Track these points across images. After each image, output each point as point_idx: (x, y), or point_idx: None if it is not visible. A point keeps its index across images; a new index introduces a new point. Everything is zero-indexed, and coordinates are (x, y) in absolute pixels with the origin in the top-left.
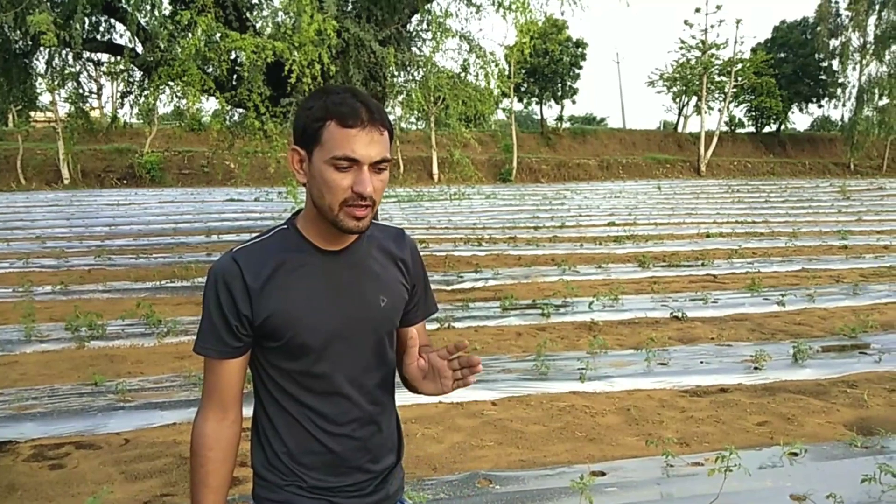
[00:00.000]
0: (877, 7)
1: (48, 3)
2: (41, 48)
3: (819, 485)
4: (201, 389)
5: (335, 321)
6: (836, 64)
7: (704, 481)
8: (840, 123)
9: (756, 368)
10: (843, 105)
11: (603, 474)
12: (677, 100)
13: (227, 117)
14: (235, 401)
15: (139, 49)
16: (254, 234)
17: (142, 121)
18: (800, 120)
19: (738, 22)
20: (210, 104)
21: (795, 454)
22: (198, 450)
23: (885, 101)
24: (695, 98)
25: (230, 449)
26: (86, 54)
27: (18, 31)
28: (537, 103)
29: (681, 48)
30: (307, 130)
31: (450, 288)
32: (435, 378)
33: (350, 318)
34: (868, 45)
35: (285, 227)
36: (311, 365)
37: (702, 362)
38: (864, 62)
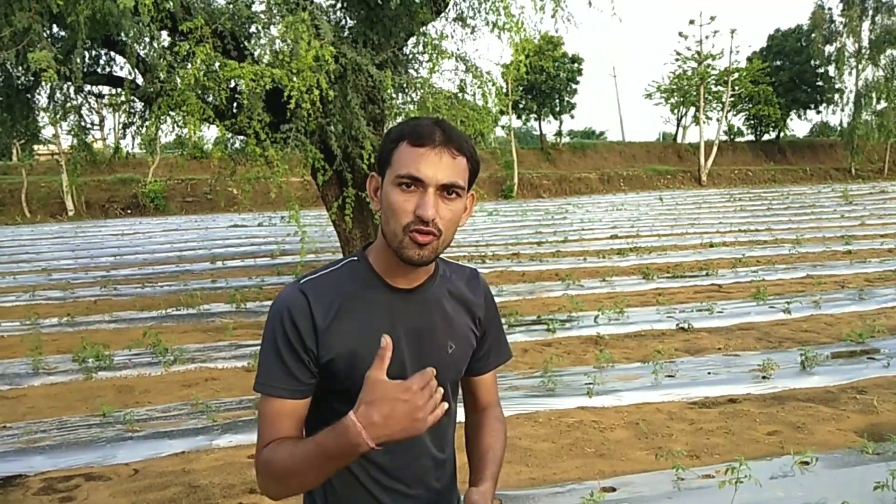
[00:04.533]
0: (870, 13)
1: (49, 40)
2: (43, 83)
3: (831, 493)
4: (257, 435)
5: (401, 367)
6: (832, 70)
7: (716, 493)
8: (839, 129)
9: (764, 377)
10: (842, 110)
11: (613, 490)
12: (675, 111)
13: (229, 144)
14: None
15: (139, 80)
16: (324, 264)
17: (144, 151)
18: (799, 126)
19: (732, 32)
20: (211, 132)
21: (806, 463)
22: (274, 470)
23: (882, 104)
24: (693, 109)
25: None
26: (87, 87)
27: (20, 68)
28: (536, 119)
29: (676, 60)
30: (382, 154)
31: None
32: None
33: (416, 365)
34: (863, 51)
35: (356, 258)
36: None
37: (709, 373)
38: (861, 67)
